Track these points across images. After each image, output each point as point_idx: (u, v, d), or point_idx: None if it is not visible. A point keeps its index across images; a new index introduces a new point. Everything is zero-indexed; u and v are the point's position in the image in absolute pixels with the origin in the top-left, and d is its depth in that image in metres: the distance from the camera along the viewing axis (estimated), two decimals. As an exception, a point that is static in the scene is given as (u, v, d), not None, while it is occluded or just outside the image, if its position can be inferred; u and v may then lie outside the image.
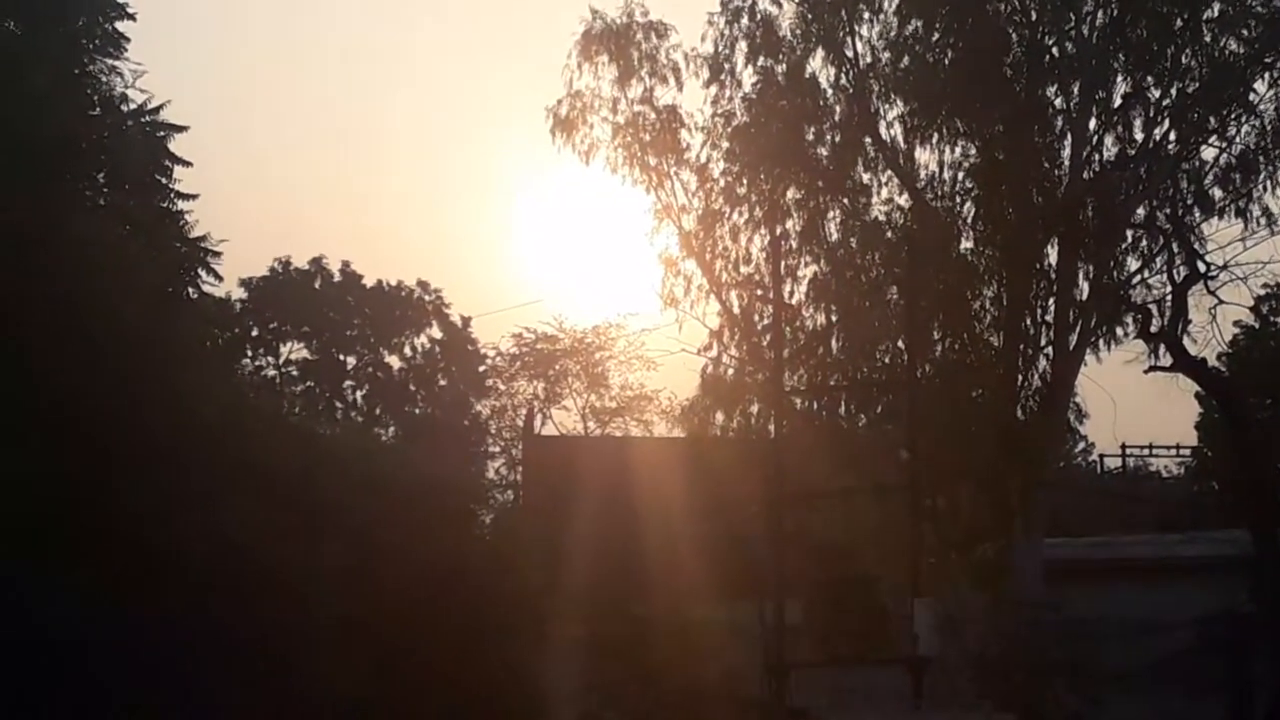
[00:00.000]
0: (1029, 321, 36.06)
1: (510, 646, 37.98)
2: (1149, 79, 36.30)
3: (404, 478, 37.32)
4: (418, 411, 77.54)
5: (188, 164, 37.47)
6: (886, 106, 37.07)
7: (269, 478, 30.39)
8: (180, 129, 37.26)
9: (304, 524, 31.02)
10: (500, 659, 36.89)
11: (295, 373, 76.45)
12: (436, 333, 79.11)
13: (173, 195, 37.07)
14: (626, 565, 40.93)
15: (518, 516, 56.23)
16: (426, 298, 79.33)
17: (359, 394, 78.14)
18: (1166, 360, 35.97)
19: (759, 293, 37.40)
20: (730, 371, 38.08)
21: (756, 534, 36.47)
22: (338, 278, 77.73)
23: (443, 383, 78.37)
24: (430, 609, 34.67)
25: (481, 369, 75.36)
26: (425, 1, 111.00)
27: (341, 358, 78.14)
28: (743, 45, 37.38)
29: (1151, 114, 36.24)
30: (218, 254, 37.94)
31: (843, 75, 37.27)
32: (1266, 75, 35.91)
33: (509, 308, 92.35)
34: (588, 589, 40.52)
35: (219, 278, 38.48)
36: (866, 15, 37.06)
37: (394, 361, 79.01)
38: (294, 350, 77.13)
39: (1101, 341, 36.41)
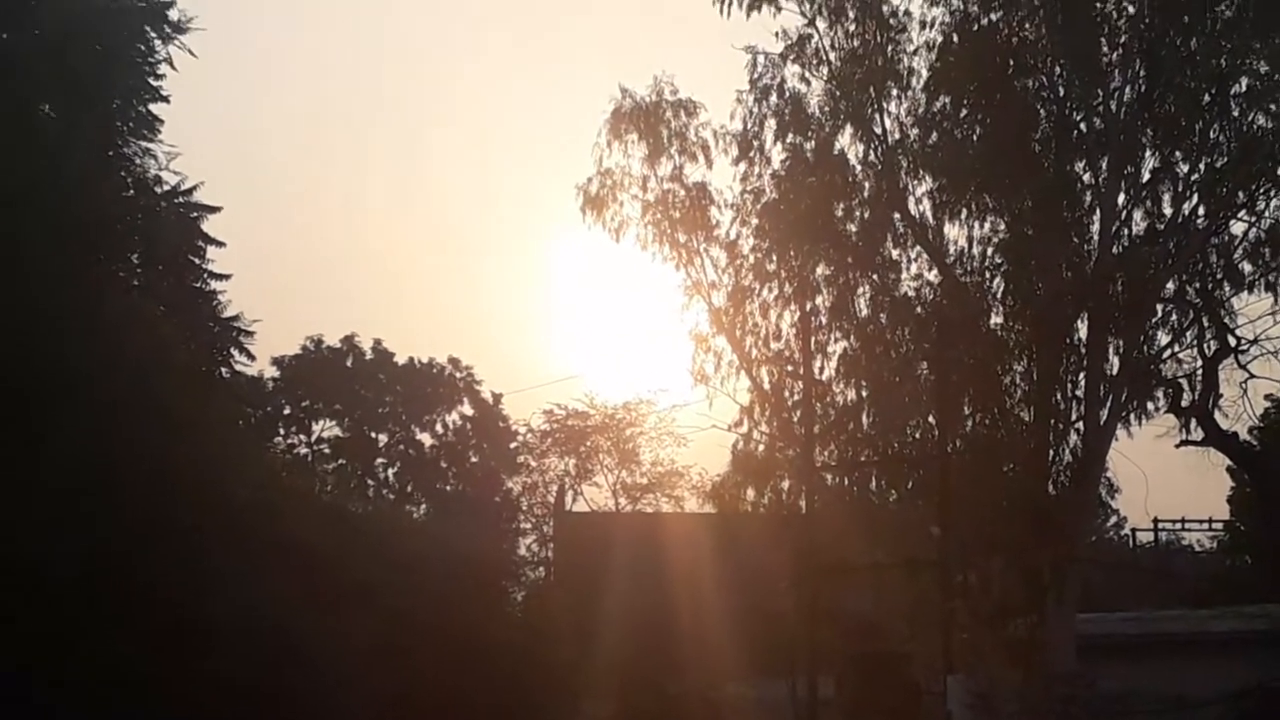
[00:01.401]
0: (1059, 396, 36.01)
1: (539, 721, 38.01)
2: (1177, 154, 36.33)
3: (436, 556, 37.47)
4: (449, 488, 77.69)
5: (221, 244, 37.83)
6: (915, 182, 37.17)
7: (302, 555, 30.55)
8: (213, 209, 37.63)
9: (336, 601, 31.16)
10: (532, 736, 36.88)
11: (327, 450, 76.70)
12: (468, 409, 79.37)
13: (206, 275, 37.39)
14: (658, 641, 41.00)
15: (549, 593, 56.25)
16: (458, 375, 79.65)
17: (391, 471, 78.37)
18: (1198, 434, 35.96)
19: (789, 369, 37.46)
20: (761, 447, 38.07)
21: (787, 610, 36.49)
22: (369, 355, 78.10)
23: (474, 459, 78.55)
24: (462, 686, 34.76)
25: (513, 445, 75.54)
26: (456, 78, 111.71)
27: (373, 435, 78.41)
28: (771, 122, 37.51)
29: (1180, 189, 36.25)
30: (250, 333, 38.21)
31: (871, 152, 37.39)
32: (1295, 149, 35.95)
33: (540, 384, 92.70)
34: (619, 665, 40.59)
35: (252, 357, 38.72)
36: (895, 92, 37.19)
37: (425, 438, 79.29)
38: (326, 428, 77.46)
39: (1132, 416, 36.30)
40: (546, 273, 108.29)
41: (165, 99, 33.60)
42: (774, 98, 37.51)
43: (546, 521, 69.09)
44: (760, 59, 37.49)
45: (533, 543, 71.55)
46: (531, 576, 62.54)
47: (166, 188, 35.42)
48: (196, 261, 37.13)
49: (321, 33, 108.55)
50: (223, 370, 37.39)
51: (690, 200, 37.99)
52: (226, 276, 37.89)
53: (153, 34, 33.15)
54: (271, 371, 74.14)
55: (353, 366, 77.53)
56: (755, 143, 37.60)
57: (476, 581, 39.97)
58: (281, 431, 74.40)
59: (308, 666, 29.31)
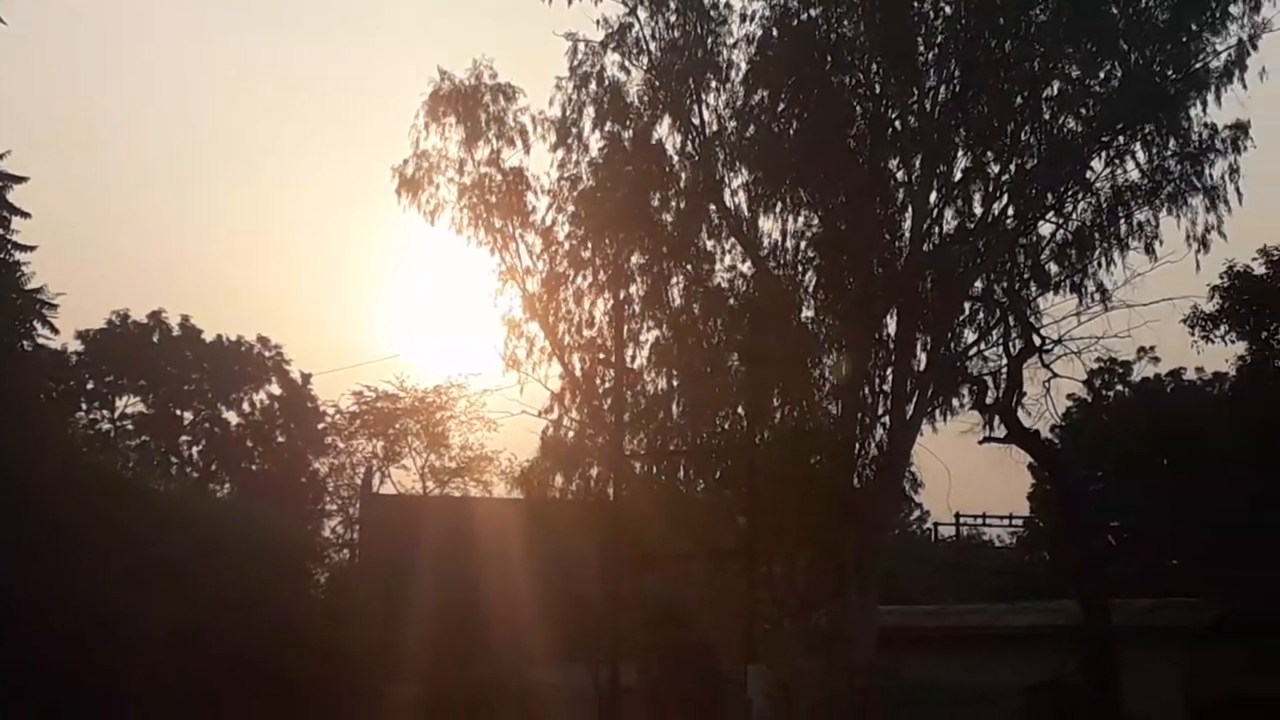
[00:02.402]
0: (867, 390, 36.42)
1: (346, 705, 37.77)
2: (989, 154, 36.87)
3: (242, 536, 37.09)
4: (254, 468, 76.76)
5: (26, 215, 37.06)
6: (731, 175, 37.40)
7: (106, 532, 30.11)
8: (19, 179, 36.85)
9: (141, 580, 30.75)
10: (336, 718, 36.67)
11: (131, 427, 75.44)
12: (276, 389, 78.43)
13: (10, 246, 36.61)
14: (464, 626, 40.79)
15: (355, 575, 55.79)
16: (267, 353, 78.67)
17: (195, 449, 77.25)
18: (1001, 431, 36.41)
19: (601, 356, 37.44)
20: (571, 434, 38.07)
21: (594, 596, 36.49)
22: (177, 331, 76.90)
23: (281, 439, 77.66)
24: (267, 666, 34.46)
25: (321, 426, 74.78)
26: (275, 55, 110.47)
27: (178, 412, 77.23)
28: (590, 110, 37.53)
29: (991, 189, 36.80)
30: (54, 306, 37.49)
31: (689, 142, 37.55)
32: (1103, 154, 36.59)
33: (351, 366, 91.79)
34: (425, 649, 40.33)
35: (55, 330, 38.00)
36: (714, 84, 37.36)
37: (232, 417, 78.25)
38: (130, 404, 76.17)
39: (938, 411, 36.81)
40: (363, 254, 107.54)
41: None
42: (593, 85, 37.53)
43: (353, 503, 68.47)
44: (581, 46, 37.55)
45: (338, 525, 70.92)
46: (336, 559, 62.02)
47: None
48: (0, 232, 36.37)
49: (137, 4, 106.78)
50: (24, 343, 36.65)
51: (507, 185, 37.87)
52: (31, 248, 37.16)
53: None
54: (75, 345, 72.84)
55: (159, 342, 76.27)
56: (574, 130, 37.61)
57: (282, 563, 39.63)
58: (84, 407, 73.00)
59: (114, 644, 28.92)
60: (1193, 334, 38.12)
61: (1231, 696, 35.77)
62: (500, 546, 43.11)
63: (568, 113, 37.57)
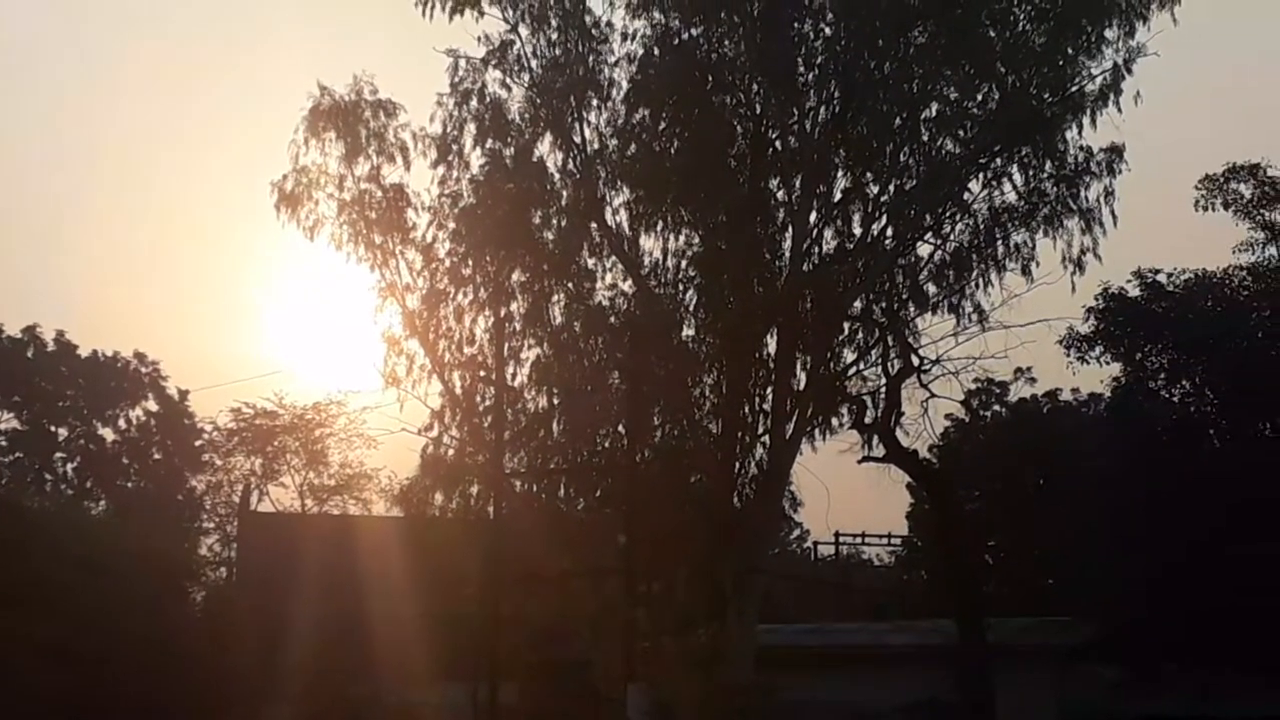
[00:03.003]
0: (747, 409, 36.52)
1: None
2: (868, 175, 37.10)
3: (116, 555, 36.67)
4: (130, 485, 76.01)
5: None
6: (613, 193, 37.37)
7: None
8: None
9: (13, 598, 30.32)
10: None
11: (4, 443, 74.52)
12: (153, 405, 77.69)
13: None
14: (343, 645, 40.53)
15: (233, 594, 55.33)
16: (144, 370, 77.93)
17: (70, 466, 76.36)
18: (880, 451, 36.66)
19: (482, 374, 37.32)
20: (451, 452, 37.87)
21: (474, 615, 36.36)
22: (51, 347, 75.99)
23: (157, 456, 76.96)
24: (142, 686, 34.05)
25: (198, 443, 74.21)
26: (153, 66, 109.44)
27: (53, 429, 76.31)
28: (471, 127, 37.39)
29: (870, 209, 37.01)
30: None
31: (570, 160, 37.50)
32: (981, 175, 36.90)
33: (229, 382, 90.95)
34: (303, 668, 40.04)
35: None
36: (595, 102, 37.35)
37: (107, 434, 77.41)
38: (3, 420, 75.22)
39: (817, 431, 36.96)
40: (242, 270, 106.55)
41: None
42: (474, 102, 37.41)
43: (230, 521, 68.01)
44: (462, 63, 37.42)
45: (215, 543, 70.39)
46: (213, 577, 61.49)
47: None
48: None
49: (13, 10, 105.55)
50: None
51: (387, 201, 37.64)
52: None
53: None
54: (-55, 361, 71.87)
55: (34, 358, 75.42)
56: (455, 146, 37.43)
57: (158, 581, 39.23)
58: (-44, 422, 72.18)
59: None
60: (1068, 355, 38.54)
61: (1102, 714, 36.17)
62: (380, 565, 42.89)
63: (449, 129, 37.42)
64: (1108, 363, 38.62)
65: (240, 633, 41.34)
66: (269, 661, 39.93)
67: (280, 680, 39.83)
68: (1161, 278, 37.84)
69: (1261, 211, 37.20)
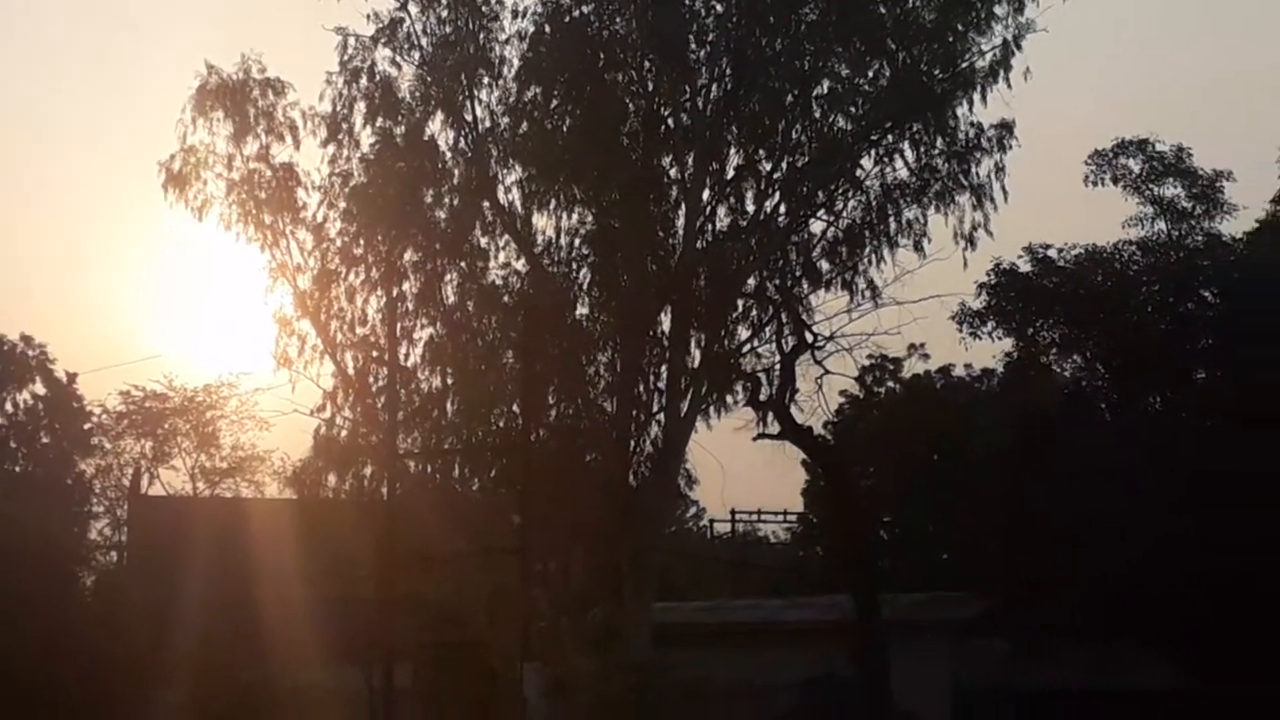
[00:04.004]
0: (642, 388, 36.51)
1: (115, 711, 37.08)
2: (761, 152, 37.11)
3: (4, 539, 36.22)
4: (18, 470, 75.05)
5: None
6: (505, 171, 37.27)
7: None
8: None
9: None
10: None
11: (-116, 427, 73.42)
12: (40, 389, 76.70)
13: None
14: (236, 628, 40.23)
15: (124, 579, 54.79)
16: (30, 353, 76.89)
17: (-46, 451, 75.30)
18: (775, 428, 36.64)
19: (374, 354, 37.13)
20: (344, 433, 37.65)
21: (369, 597, 36.16)
22: (-66, 330, 74.90)
23: (45, 440, 75.99)
24: (32, 673, 33.67)
25: (87, 427, 73.38)
26: (40, 51, 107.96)
27: (-64, 414, 75.24)
28: (361, 105, 37.16)
29: (763, 186, 37.02)
30: None
31: (462, 139, 37.35)
32: (873, 152, 36.99)
33: (118, 364, 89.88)
34: (195, 653, 39.71)
35: None
36: (486, 80, 37.19)
37: (-6, 418, 76.37)
38: (-116, 404, 74.07)
39: (712, 409, 36.97)
40: (132, 251, 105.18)
41: None
42: (364, 80, 37.19)
43: (121, 505, 67.36)
44: (351, 41, 37.19)
45: (106, 527, 69.66)
46: (103, 562, 60.89)
47: None
48: None
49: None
50: None
51: (277, 181, 37.38)
52: None
53: None
54: None
55: (-83, 341, 74.43)
56: (345, 125, 37.24)
57: (47, 567, 38.80)
58: None
59: None
60: (961, 331, 38.65)
61: (995, 687, 36.42)
62: (273, 547, 42.63)
63: (338, 108, 37.19)
64: (1000, 338, 38.81)
65: (131, 618, 40.96)
66: (160, 646, 39.60)
67: (172, 665, 39.49)
68: (1052, 253, 38.00)
69: (1150, 186, 37.44)
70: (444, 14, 37.09)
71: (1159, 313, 37.20)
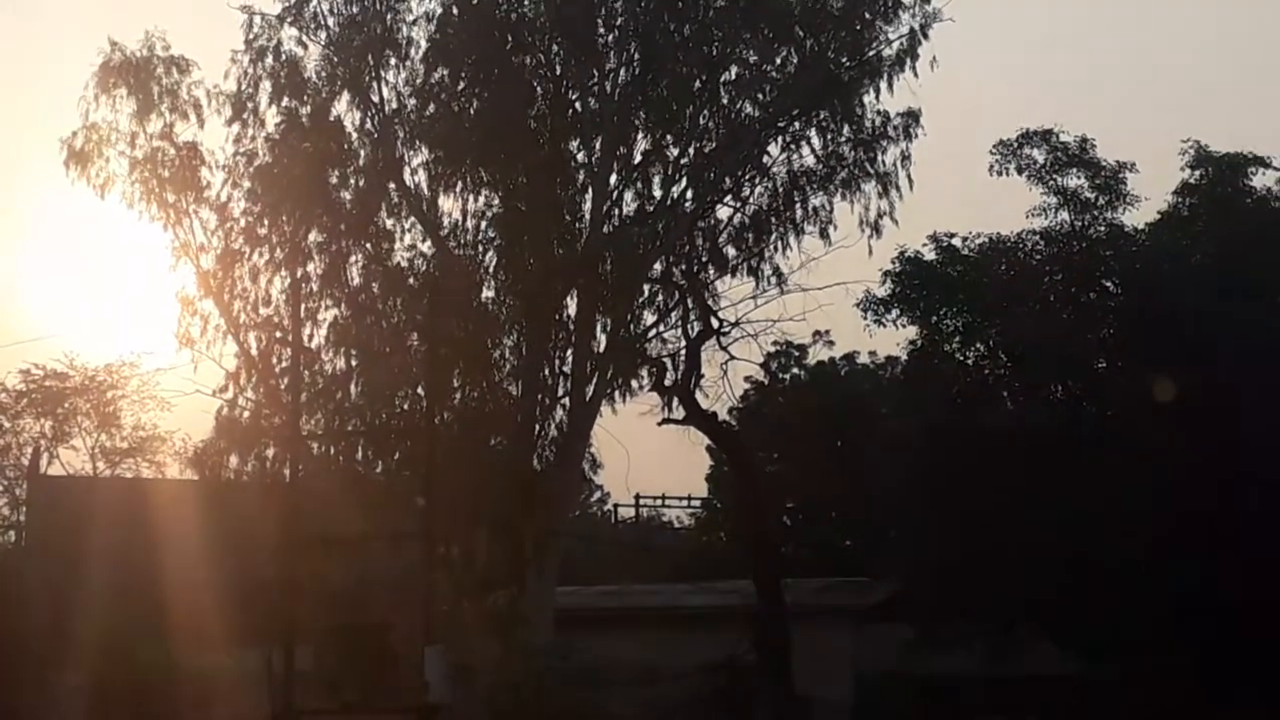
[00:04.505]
0: (548, 371, 36.53)
1: (11, 695, 36.72)
2: (668, 137, 37.23)
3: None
4: (-89, 450, 74.17)
5: None
6: (412, 153, 37.16)
7: None
8: None
9: None
10: (-3, 708, 35.57)
11: None
12: (-64, 368, 75.92)
13: None
14: (136, 610, 39.91)
15: (21, 560, 54.23)
16: (-75, 333, 76.13)
17: None
18: (680, 413, 36.75)
19: (278, 335, 36.89)
20: (246, 414, 37.40)
21: (270, 579, 35.95)
22: None
23: (-58, 420, 75.19)
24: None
25: (-15, 406, 72.57)
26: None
27: None
28: (267, 85, 36.96)
29: (670, 172, 37.14)
30: None
31: (369, 120, 37.22)
32: (780, 138, 37.20)
33: (17, 343, 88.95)
34: (94, 634, 39.39)
35: None
36: (393, 61, 37.10)
37: (-111, 398, 75.45)
38: None
39: (617, 393, 37.07)
40: (30, 229, 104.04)
41: None
42: (270, 60, 37.00)
43: (19, 485, 66.62)
44: (257, 19, 37.07)
45: (3, 506, 68.85)
46: (1, 541, 60.25)
47: None
48: None
49: None
50: None
51: (181, 160, 37.06)
52: None
53: None
54: None
55: None
56: (250, 104, 37.01)
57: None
58: None
59: None
60: (866, 318, 38.71)
61: (896, 673, 36.67)
62: (174, 529, 42.28)
63: (243, 87, 36.94)
64: (904, 325, 38.89)
65: (29, 599, 40.58)
66: (59, 628, 39.24)
67: (70, 647, 39.15)
68: (956, 241, 38.14)
69: (1054, 176, 37.63)
70: (352, -7, 36.97)
71: (1061, 302, 37.43)
